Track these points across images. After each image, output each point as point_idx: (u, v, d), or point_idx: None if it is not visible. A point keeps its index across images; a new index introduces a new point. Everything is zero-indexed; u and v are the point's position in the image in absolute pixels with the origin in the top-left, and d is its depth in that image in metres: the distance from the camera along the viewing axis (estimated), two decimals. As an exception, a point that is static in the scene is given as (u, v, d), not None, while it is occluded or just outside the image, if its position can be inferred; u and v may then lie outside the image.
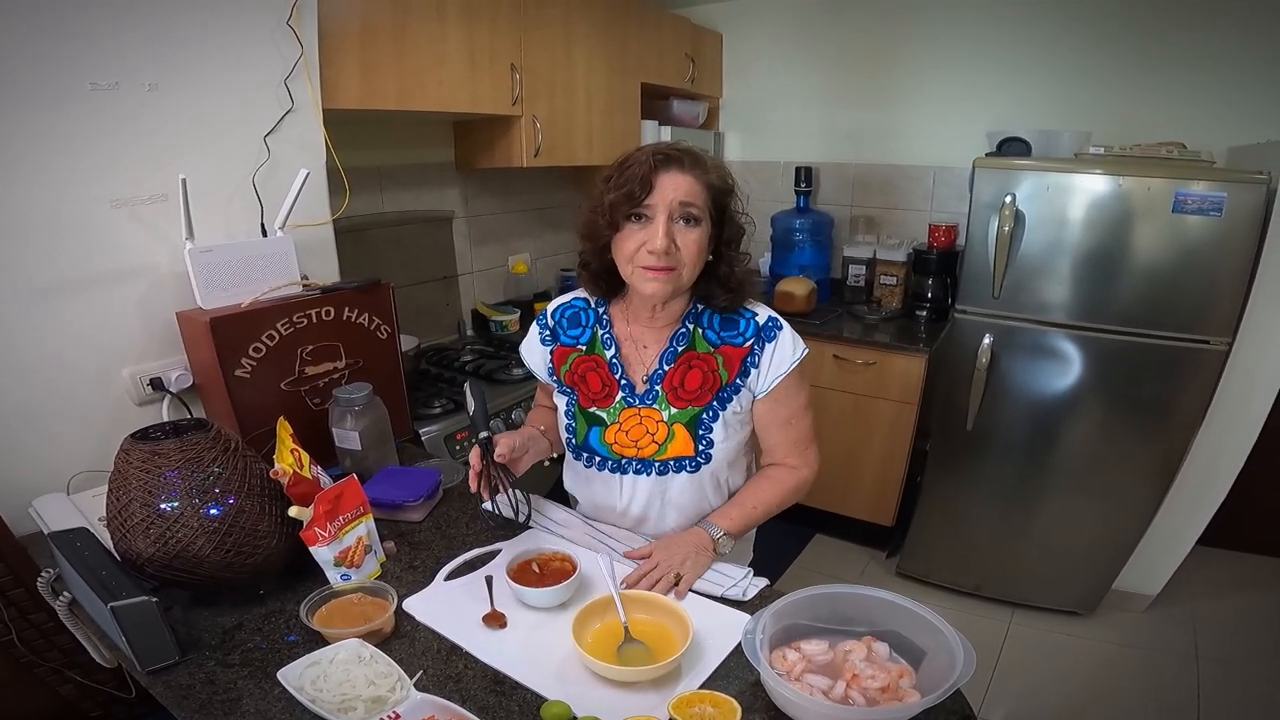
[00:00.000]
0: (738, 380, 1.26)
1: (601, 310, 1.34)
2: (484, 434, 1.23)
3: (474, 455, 1.22)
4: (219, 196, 1.53)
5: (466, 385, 1.32)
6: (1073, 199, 2.04)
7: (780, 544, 2.97)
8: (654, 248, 1.13)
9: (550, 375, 1.36)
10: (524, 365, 1.43)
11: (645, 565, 1.19)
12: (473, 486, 1.21)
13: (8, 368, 1.31)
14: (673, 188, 1.13)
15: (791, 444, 1.32)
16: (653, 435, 1.28)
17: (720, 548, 1.24)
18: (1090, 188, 2.02)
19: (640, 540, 1.30)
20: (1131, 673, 2.32)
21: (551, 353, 1.35)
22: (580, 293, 1.37)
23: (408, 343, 2.17)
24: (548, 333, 1.36)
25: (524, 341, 1.41)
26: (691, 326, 1.28)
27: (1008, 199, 2.07)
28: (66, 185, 1.32)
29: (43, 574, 1.15)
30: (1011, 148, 2.40)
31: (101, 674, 1.51)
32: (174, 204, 1.40)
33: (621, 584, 1.14)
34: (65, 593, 1.13)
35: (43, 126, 1.27)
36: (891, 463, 2.75)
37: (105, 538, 1.09)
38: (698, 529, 1.26)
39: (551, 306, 1.38)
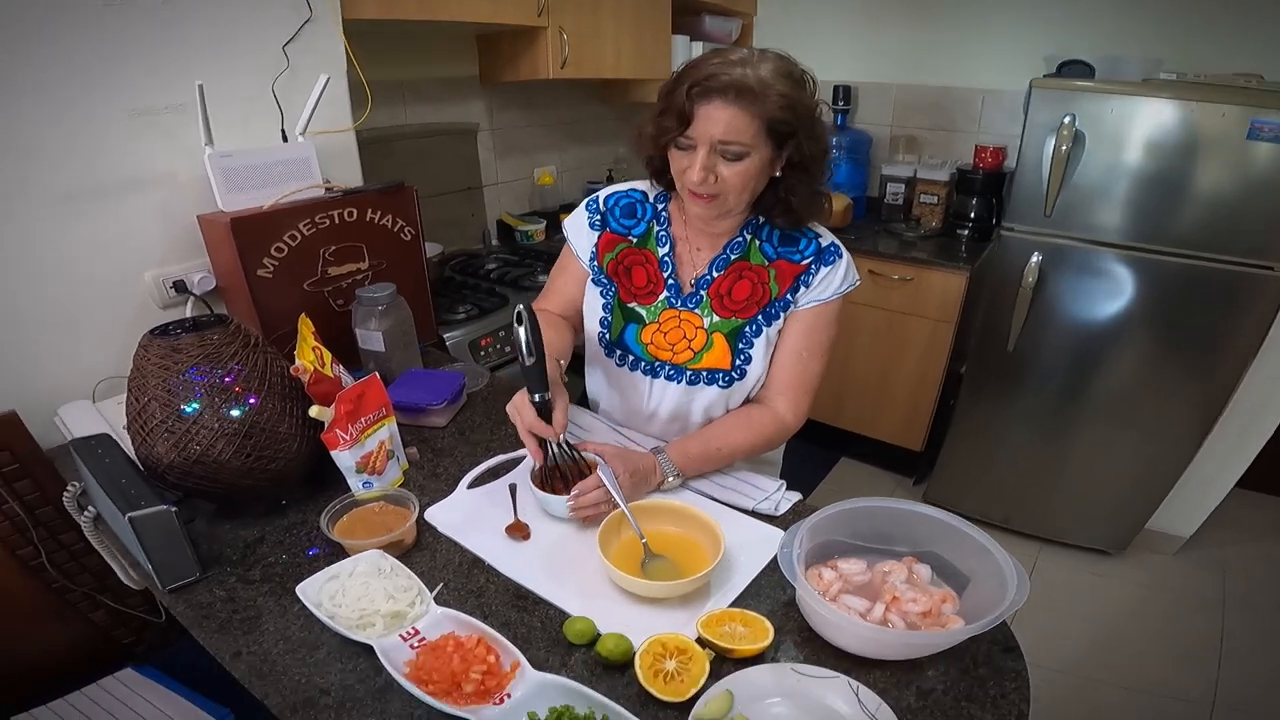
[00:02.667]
0: (788, 296, 1.20)
1: (661, 206, 1.27)
2: (542, 394, 1.05)
3: (526, 426, 1.06)
4: (238, 105, 1.47)
5: (520, 313, 1.01)
6: (1138, 123, 1.92)
7: (805, 467, 2.95)
8: (691, 180, 1.06)
9: (591, 260, 1.29)
10: (546, 273, 1.36)
11: (590, 481, 1.07)
12: (536, 480, 1.09)
13: (31, 276, 1.29)
14: (712, 122, 1.02)
15: (790, 381, 1.24)
16: (690, 341, 1.23)
17: (665, 487, 1.16)
18: (1158, 112, 1.89)
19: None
20: (1156, 615, 2.29)
21: (598, 238, 1.29)
22: (639, 184, 1.30)
23: (432, 250, 2.15)
24: (597, 218, 1.29)
25: (570, 218, 1.33)
26: (749, 237, 1.21)
27: (1066, 119, 1.95)
28: (84, 98, 1.28)
29: (69, 487, 1.13)
30: (1073, 70, 2.25)
31: (131, 598, 1.53)
32: (192, 113, 1.35)
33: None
34: (90, 507, 1.11)
35: (57, 43, 1.23)
36: (924, 385, 2.68)
37: (129, 446, 1.06)
38: (653, 458, 1.15)
39: (605, 192, 1.31)
